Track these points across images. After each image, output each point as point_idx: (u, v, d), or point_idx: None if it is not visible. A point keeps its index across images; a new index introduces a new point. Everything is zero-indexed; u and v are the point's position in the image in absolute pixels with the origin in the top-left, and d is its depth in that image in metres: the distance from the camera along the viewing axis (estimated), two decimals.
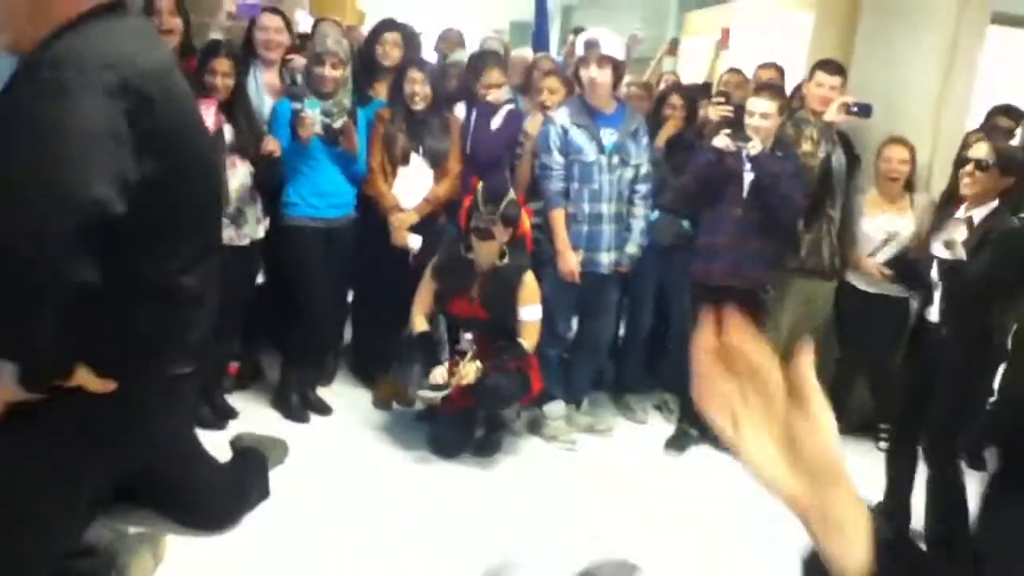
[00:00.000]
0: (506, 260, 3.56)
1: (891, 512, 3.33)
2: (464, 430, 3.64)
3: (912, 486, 3.32)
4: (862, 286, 4.07)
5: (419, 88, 3.80)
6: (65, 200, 1.34)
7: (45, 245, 1.31)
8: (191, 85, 3.26)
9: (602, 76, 3.64)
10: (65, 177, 1.35)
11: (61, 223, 1.33)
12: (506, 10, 9.22)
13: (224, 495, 2.78)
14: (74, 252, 1.34)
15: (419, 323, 3.60)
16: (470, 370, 3.45)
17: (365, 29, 5.85)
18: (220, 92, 3.27)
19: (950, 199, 3.45)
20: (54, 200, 1.33)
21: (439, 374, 3.47)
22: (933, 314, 3.17)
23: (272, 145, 3.44)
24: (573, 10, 8.21)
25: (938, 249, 3.21)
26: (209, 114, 3.15)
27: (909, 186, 3.98)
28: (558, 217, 3.71)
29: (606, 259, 3.77)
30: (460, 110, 4.04)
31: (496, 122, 3.94)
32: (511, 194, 3.56)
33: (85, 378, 1.56)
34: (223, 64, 3.26)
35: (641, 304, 4.23)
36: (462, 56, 4.51)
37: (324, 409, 3.83)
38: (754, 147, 3.57)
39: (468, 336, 3.59)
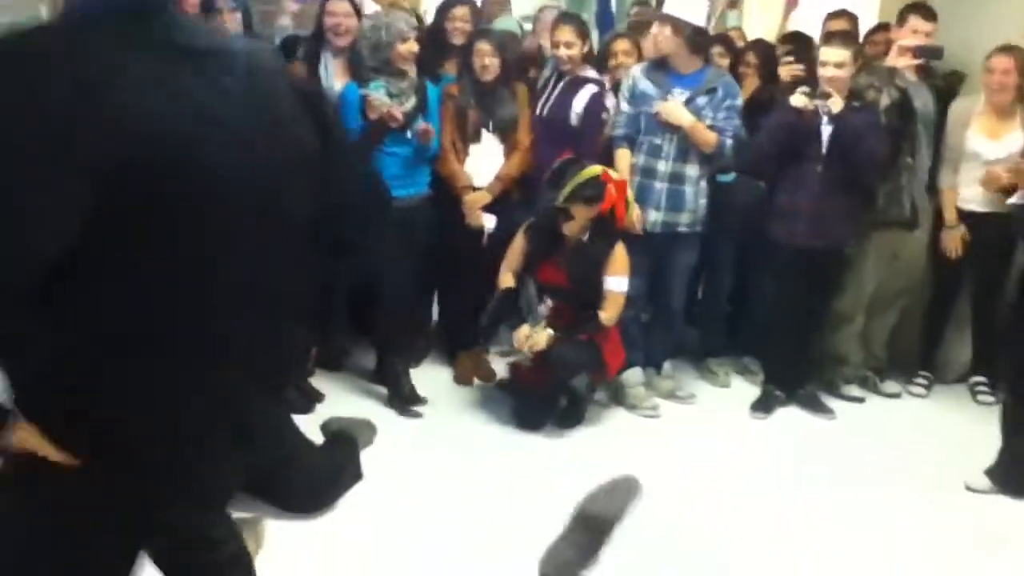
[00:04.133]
0: (588, 237, 3.54)
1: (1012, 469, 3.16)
2: (546, 403, 3.66)
3: None
4: (968, 206, 3.92)
5: (488, 60, 3.76)
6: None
7: None
8: None
9: (662, 34, 3.61)
10: None
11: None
12: None
13: (320, 478, 2.85)
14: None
15: (505, 279, 3.63)
16: (541, 338, 3.47)
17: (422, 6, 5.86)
18: None
19: None
20: None
21: (522, 335, 3.51)
22: None
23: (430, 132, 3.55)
24: None
25: None
26: None
27: (1021, 98, 3.82)
28: (622, 156, 3.71)
29: (653, 216, 3.70)
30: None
31: (580, 102, 3.84)
32: (589, 171, 3.48)
33: (33, 442, 1.22)
34: (297, 68, 3.30)
35: (719, 267, 4.15)
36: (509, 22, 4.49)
37: (418, 400, 3.76)
38: (835, 104, 3.46)
39: (549, 303, 3.59)
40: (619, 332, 3.69)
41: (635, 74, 3.71)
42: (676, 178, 3.68)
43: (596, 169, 3.51)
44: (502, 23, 4.57)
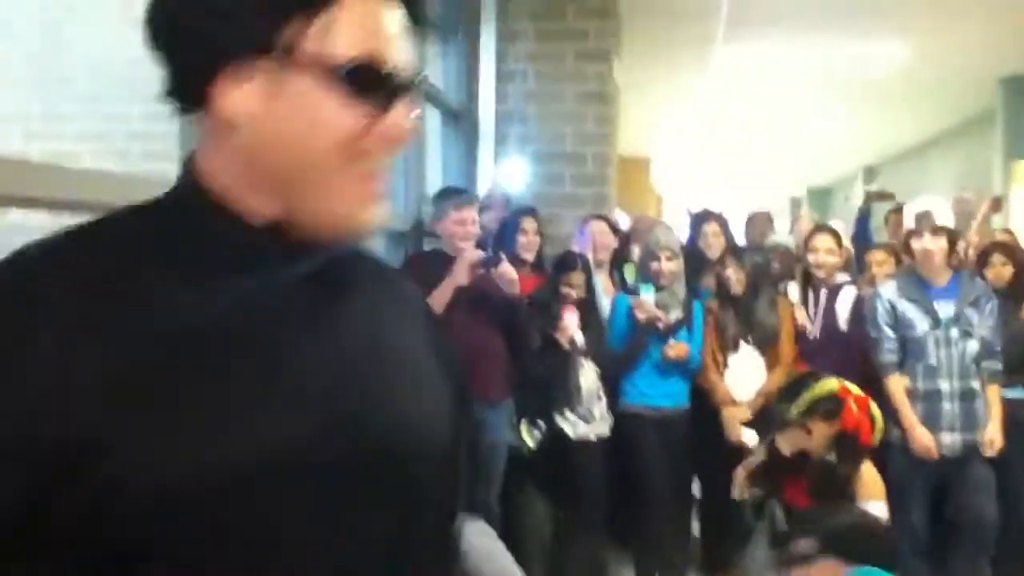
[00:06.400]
0: (832, 456, 3.34)
1: None
2: None
3: None
4: None
5: (732, 273, 3.89)
6: None
7: None
8: (544, 293, 3.59)
9: (937, 247, 3.52)
10: None
11: None
12: (802, 177, 9.12)
13: None
14: None
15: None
16: None
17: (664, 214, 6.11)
18: (574, 301, 3.57)
19: None
20: None
21: None
22: None
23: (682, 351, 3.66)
24: (876, 171, 7.87)
25: None
26: (573, 321, 3.49)
27: None
28: (895, 385, 3.53)
29: (948, 439, 3.46)
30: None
31: (844, 306, 3.85)
32: (827, 385, 3.31)
33: None
34: (579, 278, 3.57)
35: (1019, 498, 3.70)
36: (780, 238, 4.56)
37: None
38: None
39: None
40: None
41: (890, 297, 3.58)
42: (966, 395, 3.49)
43: (833, 384, 3.29)
44: (775, 240, 4.70)
